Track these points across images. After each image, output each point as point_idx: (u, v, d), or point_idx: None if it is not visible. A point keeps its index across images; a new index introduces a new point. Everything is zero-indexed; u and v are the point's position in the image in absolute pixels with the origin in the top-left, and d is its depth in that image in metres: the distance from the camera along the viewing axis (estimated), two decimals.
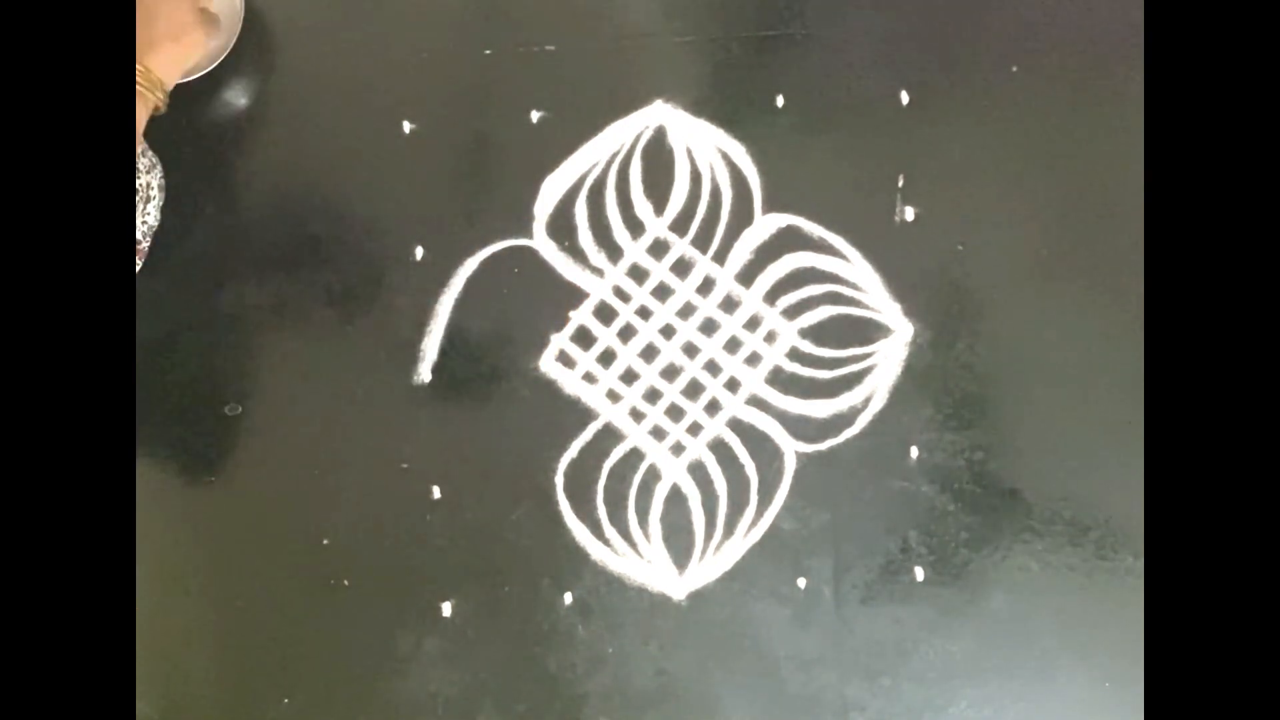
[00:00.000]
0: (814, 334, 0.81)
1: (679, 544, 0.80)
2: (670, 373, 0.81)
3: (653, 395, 0.81)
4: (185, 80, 0.77)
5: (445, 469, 0.80)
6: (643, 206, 0.81)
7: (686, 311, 0.81)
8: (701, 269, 0.81)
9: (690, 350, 0.81)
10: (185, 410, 0.80)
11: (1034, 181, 0.81)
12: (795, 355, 0.81)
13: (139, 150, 0.74)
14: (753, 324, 0.81)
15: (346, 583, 0.80)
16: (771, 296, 0.81)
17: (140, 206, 0.74)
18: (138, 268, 0.76)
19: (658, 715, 0.80)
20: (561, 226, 0.81)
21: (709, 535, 0.80)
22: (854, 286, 0.81)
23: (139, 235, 0.75)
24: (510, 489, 0.80)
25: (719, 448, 0.81)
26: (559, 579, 0.80)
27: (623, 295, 0.81)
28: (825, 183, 0.81)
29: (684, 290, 0.81)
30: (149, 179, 0.75)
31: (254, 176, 0.81)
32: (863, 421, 0.80)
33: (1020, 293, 0.80)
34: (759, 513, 0.80)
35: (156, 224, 0.77)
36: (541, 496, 0.80)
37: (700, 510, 0.80)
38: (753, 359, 0.81)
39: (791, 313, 0.81)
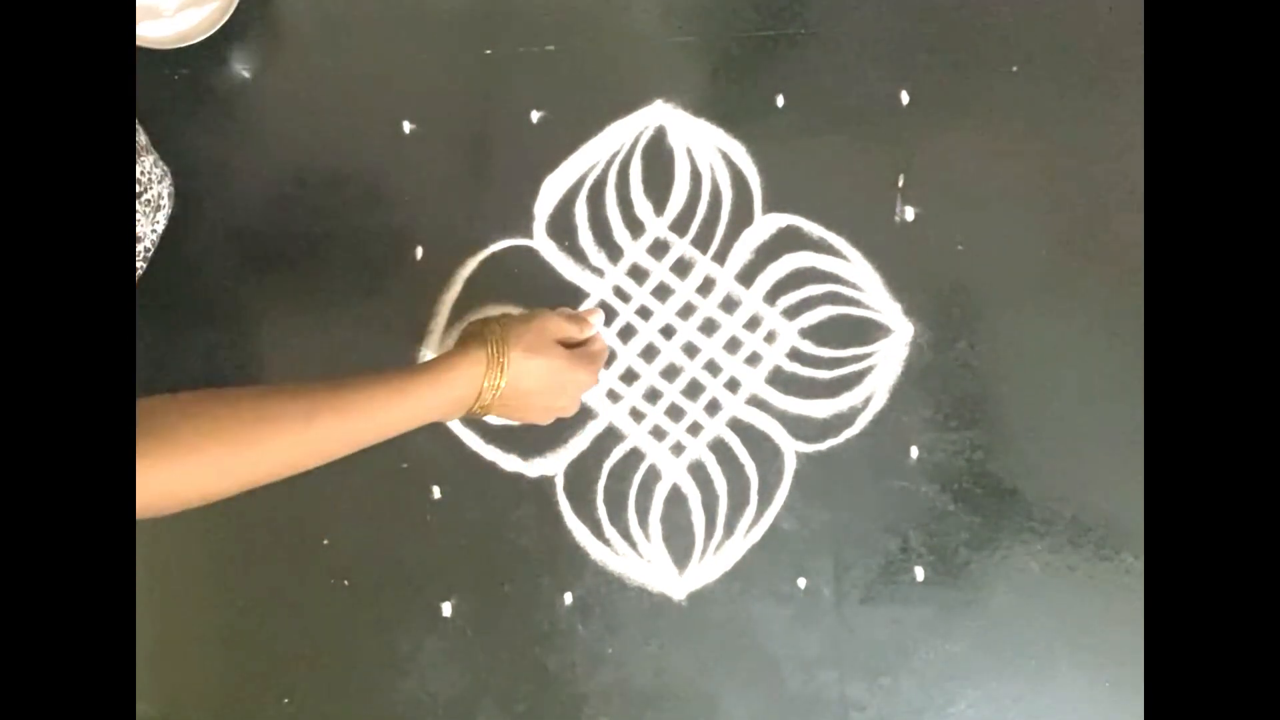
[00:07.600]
0: (814, 334, 0.81)
1: (679, 544, 0.80)
2: (670, 373, 0.81)
3: (653, 395, 0.81)
4: (184, 51, 0.77)
5: (445, 469, 0.80)
6: (643, 206, 0.81)
7: (686, 311, 0.81)
8: (701, 269, 0.81)
9: (690, 350, 0.81)
10: None
11: (1034, 181, 0.81)
12: (795, 355, 0.81)
13: (151, 160, 0.74)
14: (753, 324, 0.81)
15: (346, 583, 0.80)
16: (771, 296, 0.81)
17: (151, 215, 0.74)
18: (141, 272, 0.76)
19: (658, 715, 0.80)
20: (561, 226, 0.81)
21: (709, 535, 0.80)
22: (854, 286, 0.81)
23: (149, 243, 0.75)
24: (510, 489, 0.80)
25: (719, 448, 0.81)
26: (559, 579, 0.80)
27: (623, 295, 0.81)
28: (825, 183, 0.81)
29: (684, 290, 0.81)
30: (160, 189, 0.74)
31: (254, 176, 0.81)
32: (863, 421, 0.80)
33: (1020, 293, 0.80)
34: (759, 513, 0.80)
35: (163, 229, 0.77)
36: (541, 496, 0.80)
37: (700, 510, 0.80)
38: (753, 359, 0.81)
39: (791, 313, 0.81)
